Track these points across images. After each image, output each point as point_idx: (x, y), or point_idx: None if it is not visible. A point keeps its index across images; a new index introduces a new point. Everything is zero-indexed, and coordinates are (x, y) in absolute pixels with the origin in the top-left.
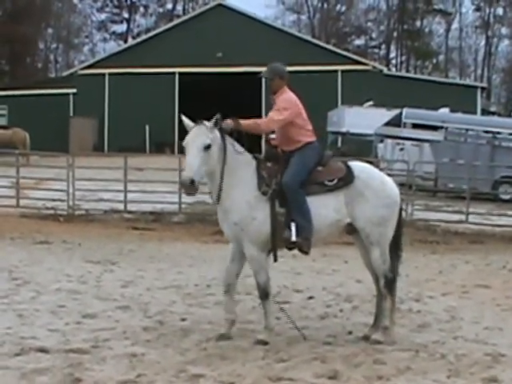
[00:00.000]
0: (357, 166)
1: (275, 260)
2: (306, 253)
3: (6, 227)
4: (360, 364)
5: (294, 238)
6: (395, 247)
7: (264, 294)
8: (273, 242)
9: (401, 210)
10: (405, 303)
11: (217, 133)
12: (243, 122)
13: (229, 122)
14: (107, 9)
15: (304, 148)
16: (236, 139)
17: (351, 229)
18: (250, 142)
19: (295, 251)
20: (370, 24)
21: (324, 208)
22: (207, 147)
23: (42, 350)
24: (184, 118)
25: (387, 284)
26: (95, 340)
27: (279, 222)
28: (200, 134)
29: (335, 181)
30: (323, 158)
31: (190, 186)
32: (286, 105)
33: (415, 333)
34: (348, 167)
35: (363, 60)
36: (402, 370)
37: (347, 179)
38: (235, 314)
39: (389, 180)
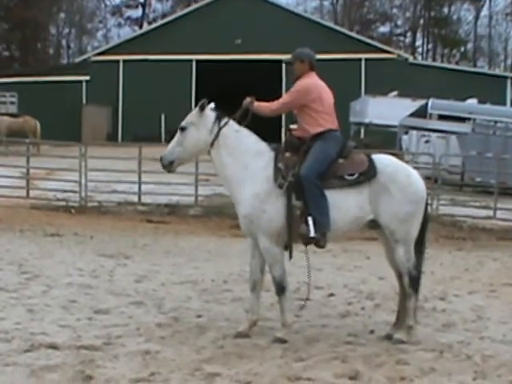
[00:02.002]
0: (381, 159)
1: (290, 257)
2: (323, 247)
3: (16, 219)
4: (382, 364)
5: (312, 234)
6: (419, 244)
7: (280, 289)
8: (289, 236)
9: (427, 205)
10: (429, 301)
11: (205, 117)
12: (256, 103)
13: (248, 100)
14: None
15: (325, 136)
16: (241, 120)
17: (374, 224)
18: (268, 130)
19: (311, 246)
20: (395, 10)
21: (345, 203)
22: (182, 129)
23: (53, 347)
24: (205, 102)
25: (412, 282)
26: (107, 336)
27: (295, 215)
28: (186, 117)
29: (356, 175)
30: (345, 149)
31: (164, 165)
32: (297, 88)
33: (440, 332)
34: (371, 160)
35: (388, 48)
36: (425, 371)
37: (369, 174)
38: (258, 315)
39: (415, 174)
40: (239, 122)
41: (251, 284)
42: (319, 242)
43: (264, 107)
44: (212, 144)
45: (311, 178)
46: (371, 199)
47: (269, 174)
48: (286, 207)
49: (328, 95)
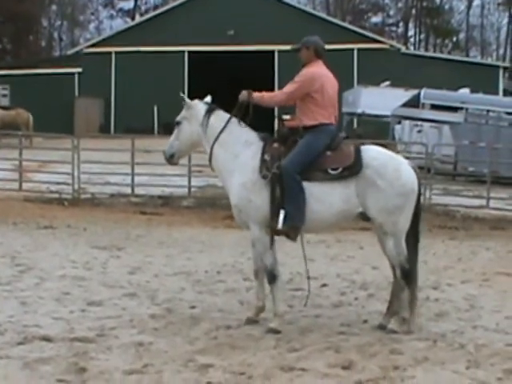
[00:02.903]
0: (369, 151)
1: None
2: (294, 240)
3: (9, 212)
4: (375, 354)
5: (279, 226)
6: (413, 236)
7: (271, 277)
8: (271, 226)
9: (419, 196)
10: (422, 291)
11: (196, 110)
12: (256, 94)
13: (244, 94)
14: None
15: (315, 129)
16: (243, 115)
17: (366, 216)
18: (262, 120)
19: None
20: (387, 1)
21: (329, 196)
22: (177, 123)
23: (46, 339)
24: (184, 96)
25: (404, 275)
26: (101, 328)
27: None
28: (181, 112)
29: (339, 169)
30: (334, 141)
31: (167, 159)
32: (300, 78)
33: (433, 322)
34: (358, 154)
35: (380, 38)
36: (419, 361)
37: (354, 169)
38: (264, 302)
39: (405, 166)
40: (242, 119)
41: (254, 272)
42: (289, 235)
43: (268, 98)
44: (204, 135)
45: (291, 170)
46: (358, 192)
47: (255, 164)
48: (270, 198)
49: (331, 85)
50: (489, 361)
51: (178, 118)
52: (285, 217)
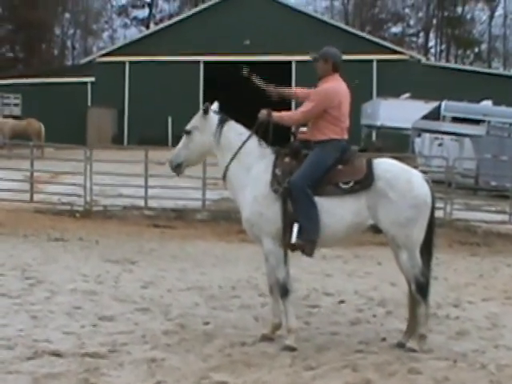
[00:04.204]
0: (381, 164)
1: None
2: (309, 255)
3: (20, 223)
4: (394, 373)
5: (293, 240)
6: (427, 249)
7: (284, 291)
8: (284, 241)
9: (433, 209)
10: (442, 309)
11: (209, 120)
12: (276, 114)
13: (264, 113)
14: None
15: (325, 144)
16: (263, 131)
17: (377, 229)
18: (279, 134)
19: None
20: (407, 10)
21: (340, 209)
22: (187, 133)
23: (56, 354)
24: (209, 106)
25: (419, 289)
26: (112, 344)
27: (289, 221)
28: (191, 121)
29: (351, 183)
30: (346, 154)
31: (173, 168)
32: (315, 96)
33: (453, 341)
34: (370, 167)
35: (400, 49)
36: (438, 381)
37: (365, 182)
38: (280, 318)
39: (417, 178)
40: (263, 138)
41: (269, 287)
42: (304, 250)
43: (287, 118)
44: (217, 146)
45: (301, 185)
46: (369, 205)
47: (267, 178)
48: (282, 212)
49: (346, 99)
50: (511, 381)
51: (188, 127)
52: (299, 231)
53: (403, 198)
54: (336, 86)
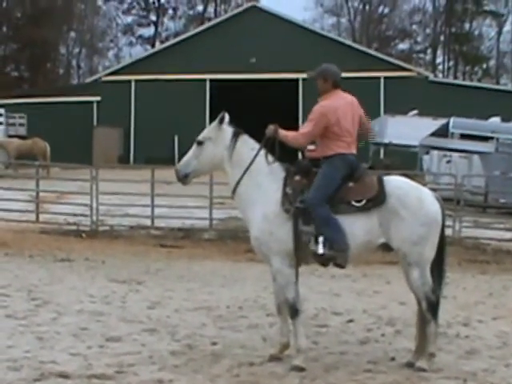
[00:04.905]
0: (392, 181)
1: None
2: (342, 266)
3: (25, 244)
4: None
5: (320, 251)
6: (438, 267)
7: (293, 312)
8: (296, 260)
9: (443, 226)
10: (452, 327)
11: (223, 132)
12: (282, 132)
13: (271, 128)
14: (133, 11)
15: (333, 159)
16: (271, 146)
17: (388, 247)
18: (286, 149)
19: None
20: (414, 27)
21: (352, 227)
22: (199, 143)
23: (63, 376)
24: (225, 115)
25: (430, 307)
26: (119, 365)
27: (303, 240)
28: (204, 131)
29: (363, 201)
30: (356, 172)
31: (180, 178)
32: (312, 116)
33: (463, 360)
34: (381, 184)
35: (407, 65)
36: None
37: (378, 199)
38: (288, 338)
39: (428, 196)
40: (271, 152)
41: (276, 307)
42: (336, 260)
43: (292, 139)
44: (228, 160)
45: (316, 203)
46: (381, 222)
47: (278, 197)
48: (293, 232)
49: (350, 114)
50: None
51: (201, 138)
52: (325, 243)
53: (414, 216)
54: (333, 103)
